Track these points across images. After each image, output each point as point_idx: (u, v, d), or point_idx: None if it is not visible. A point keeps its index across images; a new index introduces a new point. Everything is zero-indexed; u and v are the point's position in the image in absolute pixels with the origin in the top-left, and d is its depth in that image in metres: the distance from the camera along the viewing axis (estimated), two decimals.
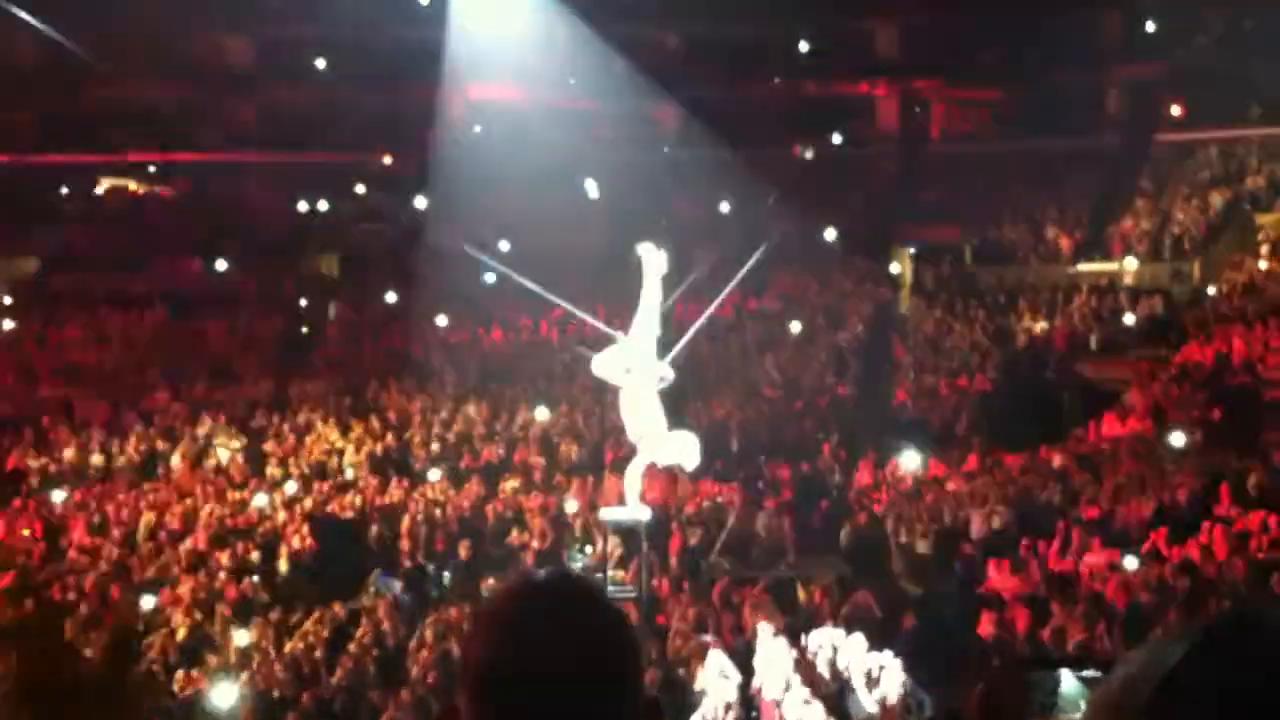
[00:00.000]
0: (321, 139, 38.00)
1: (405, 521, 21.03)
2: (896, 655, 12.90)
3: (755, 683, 12.85)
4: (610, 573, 15.92)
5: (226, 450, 25.19)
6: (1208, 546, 16.32)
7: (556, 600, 1.77)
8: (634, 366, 12.55)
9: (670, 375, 12.84)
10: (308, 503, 21.92)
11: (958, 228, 34.31)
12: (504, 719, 1.69)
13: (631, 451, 13.40)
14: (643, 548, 14.79)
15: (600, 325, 13.89)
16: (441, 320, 31.44)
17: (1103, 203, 33.75)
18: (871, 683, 12.49)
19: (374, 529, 21.12)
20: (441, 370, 29.38)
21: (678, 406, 25.58)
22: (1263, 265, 27.98)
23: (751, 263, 16.49)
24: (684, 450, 12.88)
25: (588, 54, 34.56)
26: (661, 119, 38.72)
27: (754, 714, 12.70)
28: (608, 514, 15.19)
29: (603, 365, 12.78)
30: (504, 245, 32.78)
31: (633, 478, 13.16)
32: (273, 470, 24.32)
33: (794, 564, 18.96)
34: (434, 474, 23.50)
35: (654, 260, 12.86)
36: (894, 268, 33.43)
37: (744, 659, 13.47)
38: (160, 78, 38.47)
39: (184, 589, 18.07)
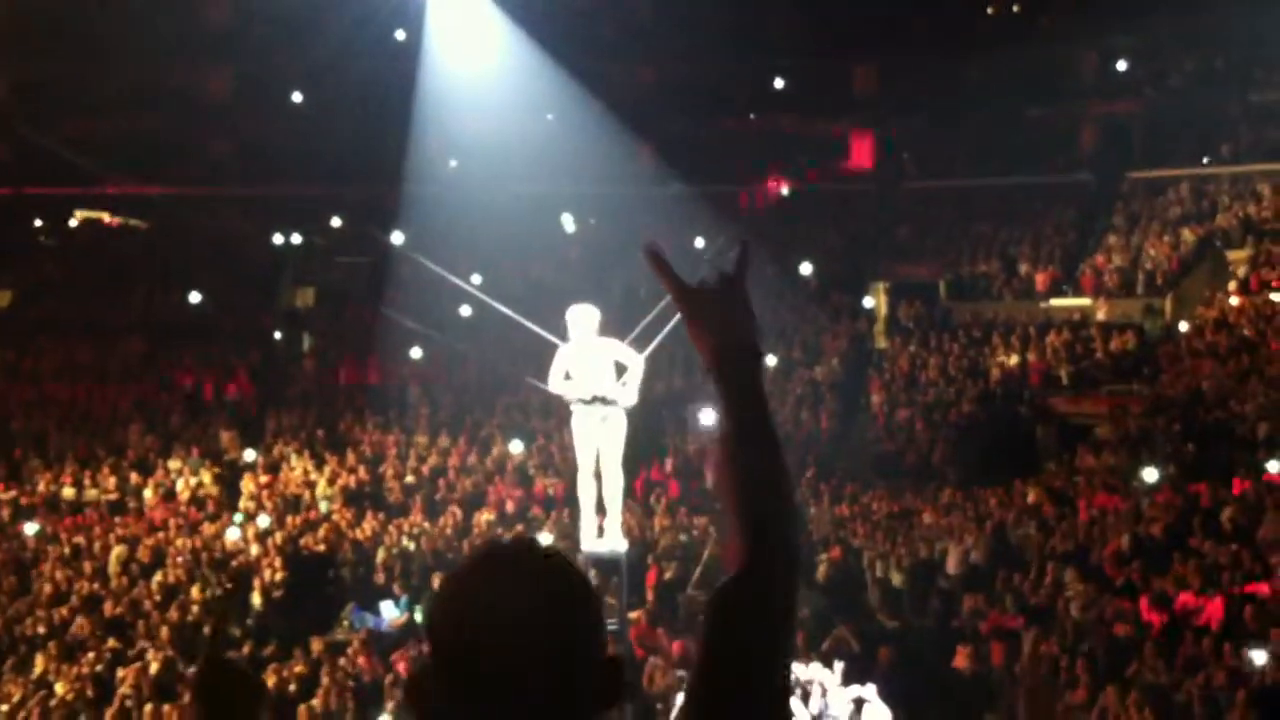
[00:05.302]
0: (298, 172, 37.95)
1: (380, 555, 20.93)
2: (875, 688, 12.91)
3: None
4: None
5: (198, 478, 25.02)
6: (1182, 578, 16.41)
7: (509, 562, 1.85)
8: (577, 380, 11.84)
9: (623, 398, 12.05)
10: (280, 536, 21.77)
11: (932, 264, 34.44)
12: (456, 672, 1.77)
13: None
14: (615, 581, 14.68)
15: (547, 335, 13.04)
16: (416, 353, 31.34)
17: (1076, 239, 33.92)
18: (853, 717, 12.48)
19: (348, 562, 21.01)
20: (416, 403, 29.27)
21: (655, 440, 25.75)
22: (1233, 301, 28.13)
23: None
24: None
25: (563, 90, 34.65)
26: (637, 155, 38.79)
27: None
28: (588, 547, 15.11)
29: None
30: (476, 279, 32.74)
31: (613, 505, 12.88)
32: (246, 503, 24.18)
33: None
34: (408, 508, 23.39)
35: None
36: (869, 303, 33.50)
37: None
38: (136, 110, 38.41)
39: (156, 623, 17.92)
